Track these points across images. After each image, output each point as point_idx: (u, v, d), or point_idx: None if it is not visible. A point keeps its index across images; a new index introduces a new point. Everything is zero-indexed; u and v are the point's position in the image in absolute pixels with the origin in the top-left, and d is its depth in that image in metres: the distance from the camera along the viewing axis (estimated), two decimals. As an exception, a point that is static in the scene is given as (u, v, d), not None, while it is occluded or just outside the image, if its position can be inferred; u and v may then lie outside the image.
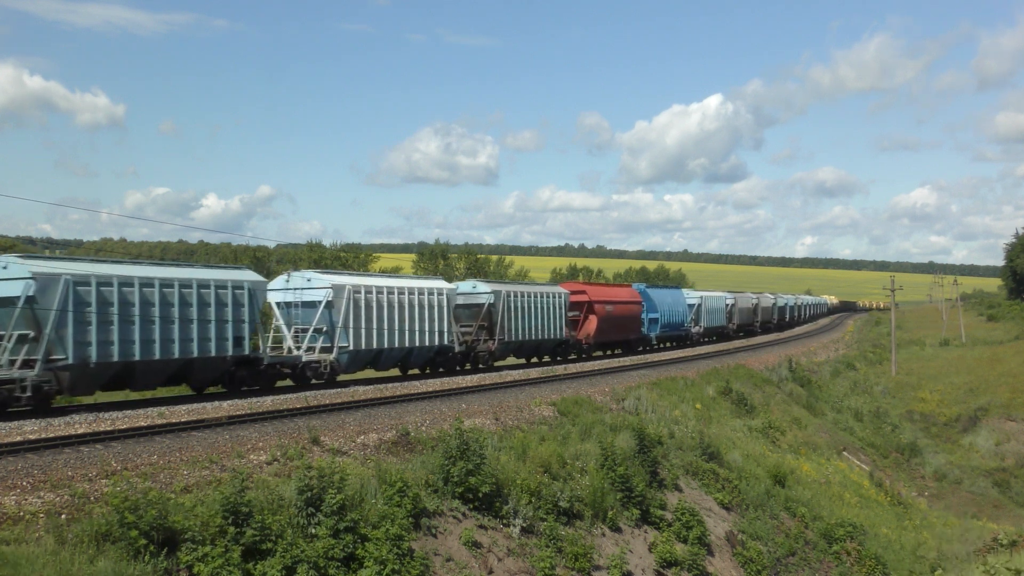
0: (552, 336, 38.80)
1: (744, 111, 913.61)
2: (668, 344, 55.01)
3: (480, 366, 34.07)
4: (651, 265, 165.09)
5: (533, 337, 37.19)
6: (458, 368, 33.01)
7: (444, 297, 31.11)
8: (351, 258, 77.06)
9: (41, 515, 10.82)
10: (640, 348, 49.51)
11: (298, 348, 26.83)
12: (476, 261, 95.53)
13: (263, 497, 12.40)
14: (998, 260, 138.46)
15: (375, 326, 27.91)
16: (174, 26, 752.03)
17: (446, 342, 31.30)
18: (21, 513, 10.81)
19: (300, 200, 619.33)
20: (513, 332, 35.63)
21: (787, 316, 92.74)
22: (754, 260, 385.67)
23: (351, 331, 26.94)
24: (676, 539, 18.63)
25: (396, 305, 28.89)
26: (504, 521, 15.66)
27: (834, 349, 74.26)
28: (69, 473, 12.69)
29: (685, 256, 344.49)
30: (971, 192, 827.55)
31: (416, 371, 32.04)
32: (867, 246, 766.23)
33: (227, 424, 17.88)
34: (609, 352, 47.58)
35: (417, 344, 29.75)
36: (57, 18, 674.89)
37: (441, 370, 32.11)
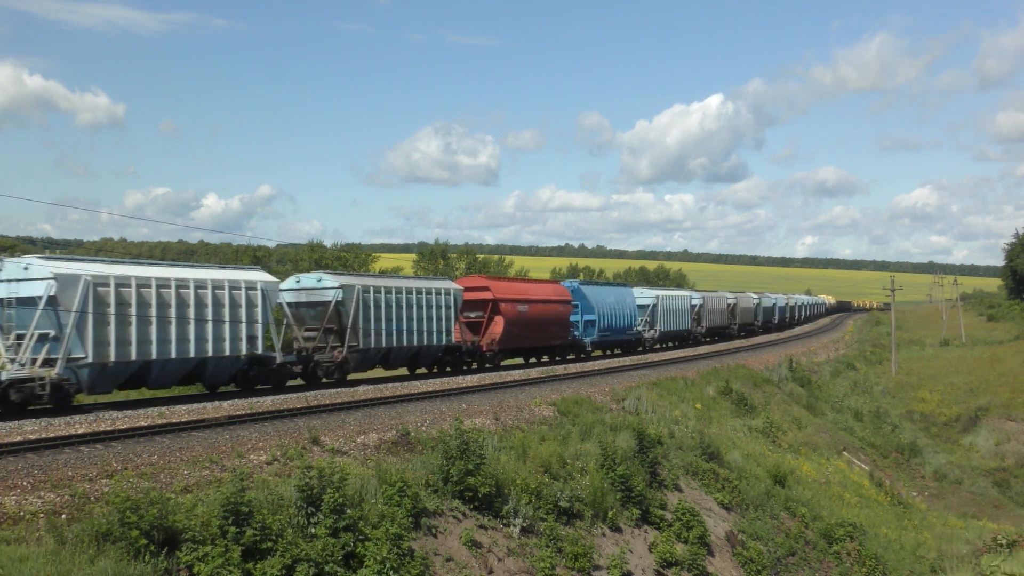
0: (435, 342, 31.05)
1: (745, 111, 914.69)
2: (613, 351, 47.80)
3: (324, 380, 27.11)
4: (651, 265, 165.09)
5: (404, 343, 29.60)
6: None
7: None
8: (351, 258, 77.10)
9: (41, 515, 10.82)
10: (571, 356, 42.08)
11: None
12: (476, 261, 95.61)
13: (263, 497, 12.41)
14: (998, 260, 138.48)
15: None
16: (174, 25, 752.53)
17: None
18: (21, 513, 10.81)
19: (300, 200, 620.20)
20: (373, 337, 28.32)
21: (776, 317, 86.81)
22: (754, 260, 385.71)
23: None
24: (676, 539, 18.63)
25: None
26: (504, 521, 15.66)
27: (834, 349, 74.26)
28: (69, 473, 12.69)
29: (685, 256, 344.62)
30: (972, 192, 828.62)
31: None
32: (867, 246, 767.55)
33: (227, 424, 17.88)
34: (531, 360, 40.34)
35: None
36: (57, 17, 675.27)
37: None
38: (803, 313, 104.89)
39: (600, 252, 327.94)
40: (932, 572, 22.93)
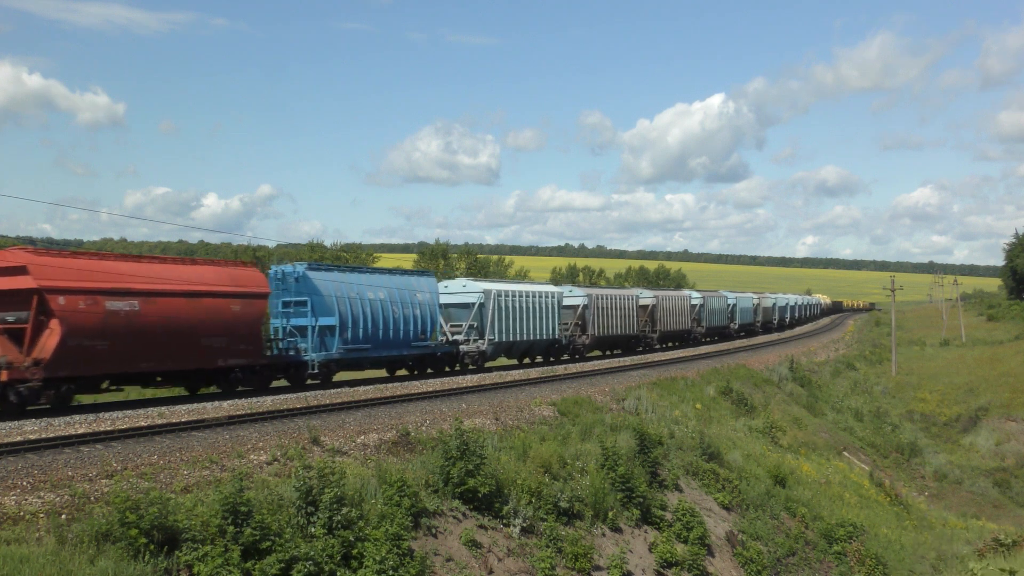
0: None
1: (746, 110, 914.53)
2: (397, 372, 32.49)
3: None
4: (651, 265, 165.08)
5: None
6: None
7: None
8: (351, 258, 77.10)
9: (41, 515, 10.82)
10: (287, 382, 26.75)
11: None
12: (476, 261, 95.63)
13: (263, 497, 12.41)
14: (998, 260, 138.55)
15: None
16: (174, 25, 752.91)
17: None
18: (21, 513, 10.81)
19: (300, 200, 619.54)
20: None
21: (757, 319, 76.16)
22: (754, 260, 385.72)
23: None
24: (676, 539, 18.63)
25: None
26: (504, 521, 15.66)
27: (834, 349, 74.25)
28: (69, 473, 12.69)
29: (685, 256, 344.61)
30: (973, 191, 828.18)
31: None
32: (868, 246, 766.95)
33: (227, 424, 17.88)
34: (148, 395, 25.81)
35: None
36: (57, 17, 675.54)
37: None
38: (794, 315, 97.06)
39: (600, 252, 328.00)
40: (932, 572, 22.93)
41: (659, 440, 21.72)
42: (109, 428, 17.12)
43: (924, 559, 24.28)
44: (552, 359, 40.01)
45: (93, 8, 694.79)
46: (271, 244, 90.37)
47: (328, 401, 22.28)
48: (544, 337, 37.72)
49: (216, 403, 21.54)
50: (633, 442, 20.51)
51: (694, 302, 58.64)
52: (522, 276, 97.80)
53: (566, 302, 41.10)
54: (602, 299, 43.93)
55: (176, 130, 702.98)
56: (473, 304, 33.78)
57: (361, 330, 27.67)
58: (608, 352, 47.69)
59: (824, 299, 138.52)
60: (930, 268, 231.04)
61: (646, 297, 50.68)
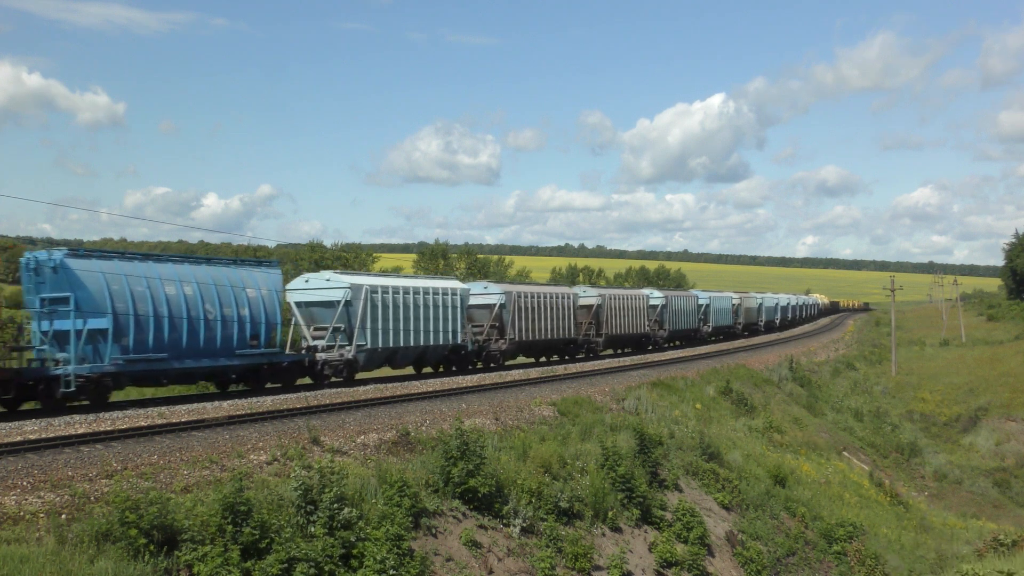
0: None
1: (747, 110, 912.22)
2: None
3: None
4: (651, 265, 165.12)
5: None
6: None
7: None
8: (351, 258, 77.11)
9: (41, 515, 10.83)
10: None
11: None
12: (476, 261, 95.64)
13: (263, 497, 12.41)
14: (998, 260, 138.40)
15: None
16: (174, 25, 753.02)
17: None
18: (21, 513, 10.82)
19: (300, 200, 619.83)
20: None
21: (738, 320, 69.95)
22: (754, 260, 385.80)
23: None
24: (676, 539, 18.63)
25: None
26: (504, 521, 15.67)
27: (834, 349, 74.26)
28: (69, 473, 12.69)
29: (685, 256, 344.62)
30: (973, 191, 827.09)
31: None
32: (868, 246, 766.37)
33: (227, 424, 17.88)
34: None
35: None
36: (57, 17, 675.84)
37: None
38: (786, 316, 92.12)
39: (600, 252, 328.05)
40: (932, 572, 22.92)
41: (659, 440, 21.72)
42: (109, 428, 17.12)
43: (924, 559, 24.28)
44: (455, 368, 32.78)
45: (93, 8, 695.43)
46: (271, 244, 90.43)
47: (328, 401, 22.29)
48: (443, 341, 31.01)
49: (216, 403, 21.55)
50: (633, 442, 20.51)
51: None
52: (523, 276, 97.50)
53: (480, 300, 35.41)
54: (525, 297, 36.70)
55: (176, 130, 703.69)
56: (338, 302, 27.14)
57: (152, 335, 21.51)
58: (539, 359, 40.73)
59: (822, 299, 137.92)
60: (930, 268, 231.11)
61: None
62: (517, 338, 35.54)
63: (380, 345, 27.90)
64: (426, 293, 30.26)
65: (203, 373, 23.73)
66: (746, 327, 72.07)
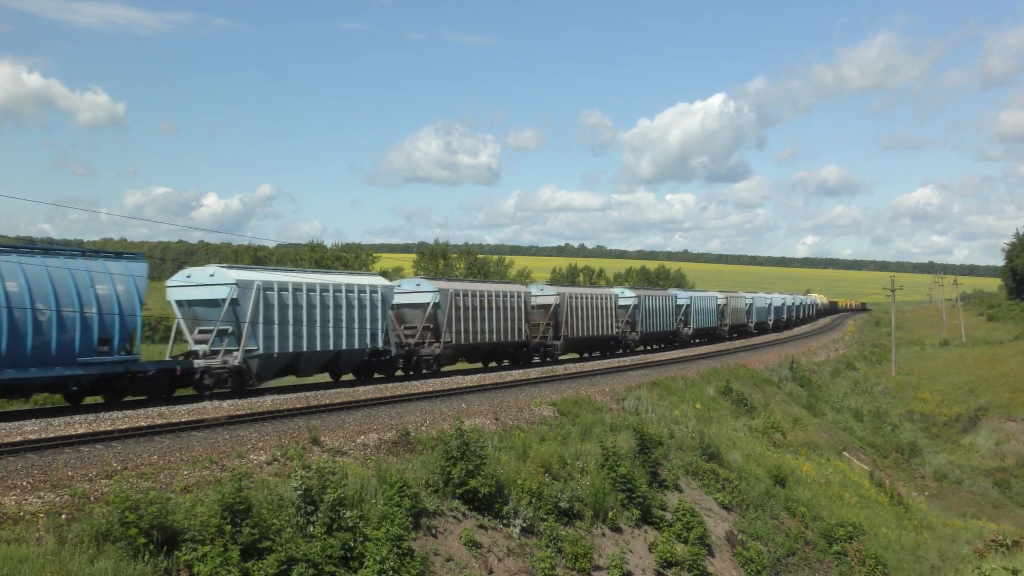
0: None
1: (747, 110, 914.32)
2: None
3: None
4: (651, 265, 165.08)
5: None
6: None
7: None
8: (351, 258, 77.06)
9: (41, 515, 10.82)
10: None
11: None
12: (476, 261, 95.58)
13: (263, 497, 12.41)
14: (999, 260, 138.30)
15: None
16: (174, 25, 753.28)
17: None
18: (21, 513, 10.81)
19: (300, 200, 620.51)
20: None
21: (724, 322, 64.67)
22: (754, 260, 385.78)
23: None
24: (676, 539, 18.63)
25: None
26: (504, 521, 15.66)
27: (834, 349, 74.25)
28: (69, 473, 12.69)
29: (685, 256, 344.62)
30: (973, 191, 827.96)
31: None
32: (868, 246, 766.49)
33: (227, 424, 17.88)
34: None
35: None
36: (57, 17, 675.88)
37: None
38: (780, 316, 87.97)
39: (600, 252, 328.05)
40: (933, 572, 22.92)
41: (659, 440, 21.72)
42: (109, 428, 17.12)
43: (924, 559, 24.27)
44: (377, 375, 28.91)
45: (93, 8, 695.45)
46: (271, 244, 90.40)
47: (328, 401, 22.29)
48: (359, 345, 27.06)
49: (216, 403, 21.54)
50: (633, 442, 20.51)
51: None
52: (524, 276, 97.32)
53: (411, 299, 31.84)
54: (465, 296, 33.11)
55: (176, 130, 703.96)
56: (223, 300, 23.29)
57: None
58: (486, 364, 37.04)
59: (821, 299, 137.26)
60: (930, 268, 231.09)
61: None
62: (455, 341, 31.71)
63: (276, 350, 23.96)
64: (337, 291, 26.26)
65: (35, 385, 19.59)
66: (733, 329, 68.22)
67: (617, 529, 17.80)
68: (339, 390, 25.30)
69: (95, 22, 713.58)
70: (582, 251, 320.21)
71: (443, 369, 32.61)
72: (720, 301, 64.80)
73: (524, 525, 15.74)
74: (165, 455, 14.36)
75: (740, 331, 70.78)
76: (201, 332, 23.88)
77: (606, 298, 44.46)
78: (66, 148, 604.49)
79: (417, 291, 32.00)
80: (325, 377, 29.37)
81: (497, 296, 34.84)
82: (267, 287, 23.99)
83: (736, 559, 19.77)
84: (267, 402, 21.92)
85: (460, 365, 35.83)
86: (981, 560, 18.70)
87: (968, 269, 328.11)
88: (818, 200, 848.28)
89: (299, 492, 12.44)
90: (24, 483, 12.02)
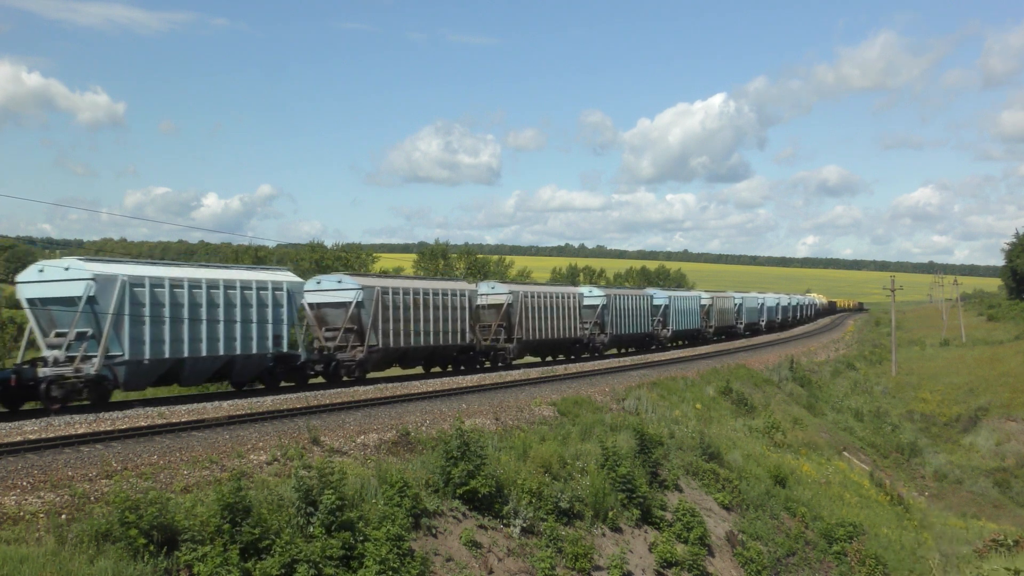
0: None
1: (747, 109, 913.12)
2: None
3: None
4: (651, 265, 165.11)
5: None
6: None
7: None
8: (352, 258, 76.99)
9: (41, 515, 10.82)
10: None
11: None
12: (476, 261, 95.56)
13: (263, 497, 12.40)
14: (999, 260, 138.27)
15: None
16: (174, 25, 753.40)
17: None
18: (21, 513, 10.81)
19: (300, 200, 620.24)
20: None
21: (709, 323, 61.42)
22: (754, 260, 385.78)
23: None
24: (676, 539, 18.62)
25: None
26: (504, 521, 15.66)
27: (834, 349, 74.25)
28: (69, 473, 12.69)
29: (685, 256, 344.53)
30: (974, 191, 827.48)
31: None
32: (868, 246, 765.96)
33: (227, 424, 17.89)
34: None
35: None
36: (58, 16, 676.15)
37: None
38: (773, 317, 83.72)
39: (600, 252, 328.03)
40: (932, 572, 22.90)
41: (659, 440, 21.71)
42: (109, 428, 17.13)
43: (924, 559, 24.26)
44: (287, 383, 26.24)
45: (93, 8, 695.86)
46: (271, 244, 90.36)
47: (328, 401, 22.29)
48: (257, 350, 24.21)
49: (216, 403, 21.55)
50: (633, 442, 20.50)
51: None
52: (524, 277, 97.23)
53: (327, 298, 28.94)
54: (389, 293, 29.95)
55: (176, 130, 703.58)
56: (79, 298, 20.53)
57: None
58: (402, 372, 34.42)
59: (820, 299, 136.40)
60: (930, 268, 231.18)
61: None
62: (381, 344, 28.51)
63: (148, 356, 21.24)
64: (229, 287, 23.50)
65: None
66: (720, 331, 64.66)
67: (617, 529, 17.80)
68: (339, 390, 25.30)
69: (95, 22, 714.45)
70: (582, 251, 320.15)
71: (368, 376, 29.61)
72: (704, 301, 61.31)
73: (524, 525, 15.74)
74: (165, 455, 14.36)
75: (728, 333, 67.11)
76: (56, 335, 21.03)
77: (569, 297, 41.80)
78: (66, 148, 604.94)
79: (339, 288, 28.79)
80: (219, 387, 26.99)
81: (435, 294, 31.74)
82: (135, 283, 21.14)
83: (736, 559, 19.77)
84: (267, 402, 21.92)
85: (394, 371, 33.11)
86: (981, 560, 18.68)
87: (968, 269, 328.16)
88: (818, 200, 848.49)
89: (299, 492, 12.44)
90: (24, 483, 12.02)
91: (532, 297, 38.44)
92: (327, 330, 28.69)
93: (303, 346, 26.32)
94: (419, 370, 34.14)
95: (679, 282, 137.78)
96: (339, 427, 17.97)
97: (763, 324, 79.03)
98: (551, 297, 39.97)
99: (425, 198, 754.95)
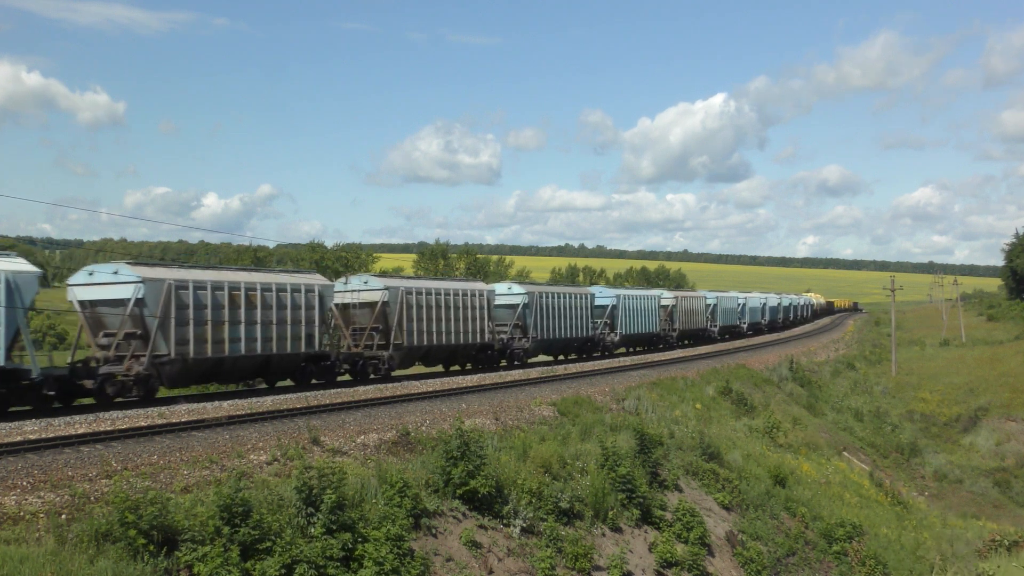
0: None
1: (748, 109, 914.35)
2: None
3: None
4: (652, 265, 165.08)
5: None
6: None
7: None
8: (352, 258, 76.99)
9: (41, 515, 10.82)
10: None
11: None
12: (476, 261, 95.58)
13: (263, 497, 12.41)
14: (999, 260, 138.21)
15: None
16: (174, 25, 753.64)
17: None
18: (21, 513, 10.81)
19: (300, 200, 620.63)
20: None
21: (664, 326, 52.55)
22: (755, 260, 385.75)
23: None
24: (676, 539, 18.62)
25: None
26: (504, 521, 15.66)
27: (834, 349, 74.23)
28: (69, 473, 12.69)
29: (685, 256, 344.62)
30: (974, 191, 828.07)
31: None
32: (869, 246, 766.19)
33: (227, 424, 17.89)
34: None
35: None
36: (58, 16, 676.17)
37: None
38: (761, 318, 78.76)
39: (600, 252, 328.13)
40: (932, 572, 22.91)
41: (659, 440, 21.71)
42: (109, 428, 17.12)
43: (924, 559, 24.26)
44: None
45: (93, 7, 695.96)
46: (271, 244, 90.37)
47: (328, 401, 22.28)
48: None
49: (216, 403, 21.55)
50: (633, 442, 20.50)
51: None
52: (524, 277, 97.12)
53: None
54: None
55: (176, 130, 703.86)
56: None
57: None
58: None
59: (817, 299, 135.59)
60: (930, 268, 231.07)
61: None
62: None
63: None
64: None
65: None
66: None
67: (617, 529, 17.80)
68: (339, 390, 25.30)
69: (95, 21, 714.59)
70: (582, 251, 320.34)
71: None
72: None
73: (524, 525, 15.74)
74: (165, 455, 14.36)
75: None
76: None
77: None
78: (66, 148, 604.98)
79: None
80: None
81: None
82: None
83: (736, 559, 19.77)
84: (267, 402, 21.92)
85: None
86: (981, 560, 18.70)
87: (968, 269, 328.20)
88: (819, 200, 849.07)
89: (300, 493, 12.44)
90: (24, 483, 12.02)
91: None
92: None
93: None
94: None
95: (679, 282, 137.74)
96: (339, 427, 17.97)
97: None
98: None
99: (425, 198, 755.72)
